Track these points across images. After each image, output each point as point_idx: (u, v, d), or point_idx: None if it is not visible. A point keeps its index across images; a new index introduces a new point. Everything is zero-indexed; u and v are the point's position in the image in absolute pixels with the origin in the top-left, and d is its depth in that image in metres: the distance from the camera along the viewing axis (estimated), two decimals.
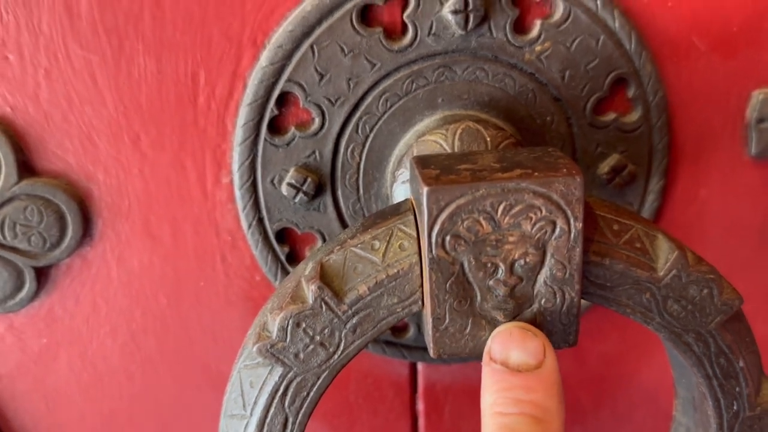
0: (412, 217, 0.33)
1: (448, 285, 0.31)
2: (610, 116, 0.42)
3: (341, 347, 0.33)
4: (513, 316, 0.32)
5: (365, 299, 0.32)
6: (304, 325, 0.32)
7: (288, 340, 0.32)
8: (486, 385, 0.30)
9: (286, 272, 0.43)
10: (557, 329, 0.32)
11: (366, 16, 0.39)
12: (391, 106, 0.40)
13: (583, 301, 0.45)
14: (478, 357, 0.32)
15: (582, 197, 0.30)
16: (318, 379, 0.33)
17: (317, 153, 0.41)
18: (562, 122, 0.41)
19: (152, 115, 0.40)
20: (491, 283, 0.31)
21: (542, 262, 0.31)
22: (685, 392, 0.38)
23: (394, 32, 0.40)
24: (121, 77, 0.39)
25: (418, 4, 0.39)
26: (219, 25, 0.39)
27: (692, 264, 0.33)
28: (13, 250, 0.41)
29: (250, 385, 0.34)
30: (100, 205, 0.41)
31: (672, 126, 0.43)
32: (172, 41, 0.39)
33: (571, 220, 0.30)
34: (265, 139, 0.40)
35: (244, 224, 0.42)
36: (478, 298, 0.31)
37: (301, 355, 0.32)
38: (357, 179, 0.42)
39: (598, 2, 0.39)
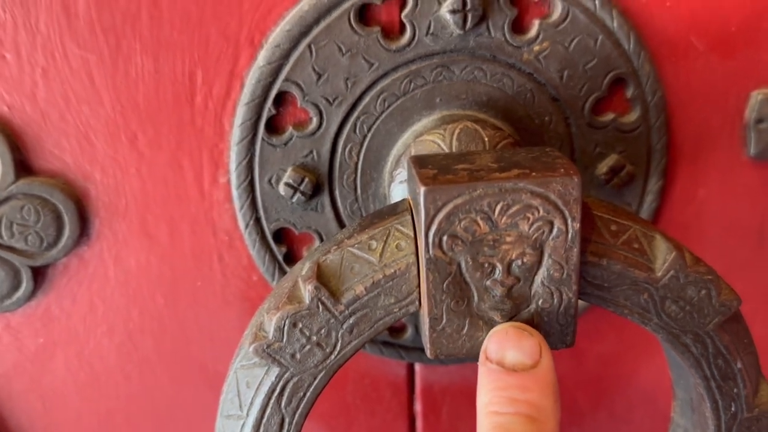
0: (409, 217, 0.33)
1: (445, 285, 0.31)
2: (609, 116, 0.42)
3: (338, 347, 0.32)
4: (510, 317, 0.32)
5: (362, 299, 0.32)
6: (300, 326, 0.32)
7: (284, 340, 0.32)
8: (482, 384, 0.30)
9: (283, 272, 0.43)
10: (554, 330, 0.32)
11: (364, 15, 0.39)
12: (389, 106, 0.40)
13: (580, 301, 0.45)
14: (475, 357, 0.32)
15: (579, 197, 0.30)
16: (314, 379, 0.33)
17: (315, 153, 0.41)
18: (561, 122, 0.41)
19: (149, 115, 0.40)
20: (488, 283, 0.31)
21: (539, 263, 0.31)
22: (683, 393, 0.38)
23: (392, 32, 0.40)
24: (118, 76, 0.39)
25: (416, 4, 0.38)
26: (216, 24, 0.39)
27: (690, 265, 0.33)
28: (10, 249, 0.41)
29: (246, 385, 0.34)
30: (97, 205, 0.41)
31: (671, 126, 0.43)
32: (170, 40, 0.39)
33: (569, 221, 0.30)
34: (263, 139, 0.40)
35: (242, 224, 0.42)
36: (475, 298, 0.31)
37: (298, 356, 0.32)
38: (355, 179, 0.41)
39: (597, 2, 0.39)
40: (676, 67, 0.42)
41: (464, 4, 0.38)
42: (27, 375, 0.44)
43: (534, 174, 0.30)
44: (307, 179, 0.41)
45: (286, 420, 0.33)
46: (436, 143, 0.39)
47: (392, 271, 0.32)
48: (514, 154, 0.32)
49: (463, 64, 0.40)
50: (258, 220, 0.42)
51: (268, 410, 0.33)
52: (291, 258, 0.43)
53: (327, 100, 0.40)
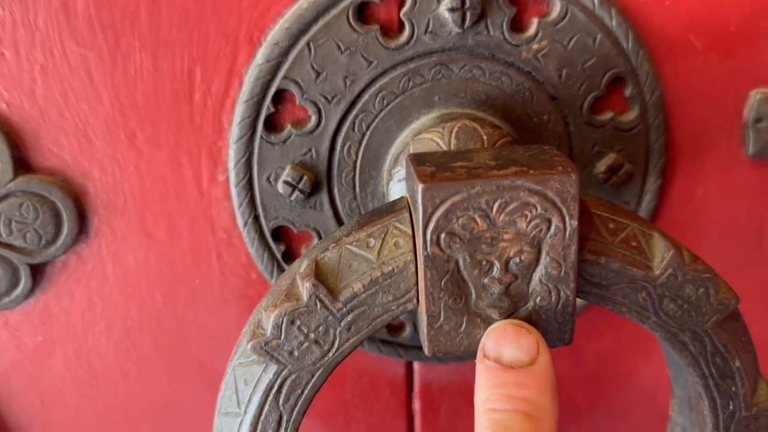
0: (407, 215, 0.33)
1: (443, 283, 0.31)
2: (607, 115, 0.42)
3: (336, 345, 0.32)
4: (508, 314, 0.32)
5: (360, 297, 0.32)
6: (298, 323, 0.32)
7: (282, 337, 0.32)
8: (479, 382, 0.30)
9: (281, 270, 0.43)
10: (552, 327, 0.32)
11: (363, 13, 0.39)
12: (387, 104, 0.40)
13: (579, 300, 0.45)
14: (473, 355, 0.32)
15: (577, 195, 0.30)
16: (312, 377, 0.33)
17: (313, 151, 0.41)
18: (559, 121, 0.41)
19: (148, 112, 0.40)
20: (486, 281, 0.31)
21: (537, 260, 0.31)
22: (682, 392, 0.38)
23: (390, 30, 0.40)
24: (117, 74, 0.39)
25: (414, 2, 0.39)
26: (215, 22, 0.39)
27: (688, 263, 0.33)
28: (9, 247, 0.41)
29: (244, 382, 0.33)
30: (95, 202, 0.41)
31: (669, 125, 0.43)
32: (169, 38, 0.39)
33: (567, 218, 0.30)
34: (261, 137, 0.40)
35: (240, 222, 0.42)
36: (473, 296, 0.31)
37: (296, 353, 0.32)
38: (353, 177, 0.41)
39: (595, 1, 0.39)
40: (675, 66, 0.42)
41: (463, 2, 0.38)
42: (26, 373, 0.44)
43: (532, 171, 0.30)
44: (305, 177, 0.41)
45: (284, 417, 0.33)
46: (435, 141, 0.39)
47: (390, 268, 0.32)
48: (512, 152, 0.32)
49: (461, 63, 0.40)
50: (257, 218, 0.42)
51: (266, 408, 0.33)
52: (289, 256, 0.43)
53: (326, 98, 0.40)
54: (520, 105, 0.41)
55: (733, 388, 0.35)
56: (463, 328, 0.32)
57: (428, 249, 0.30)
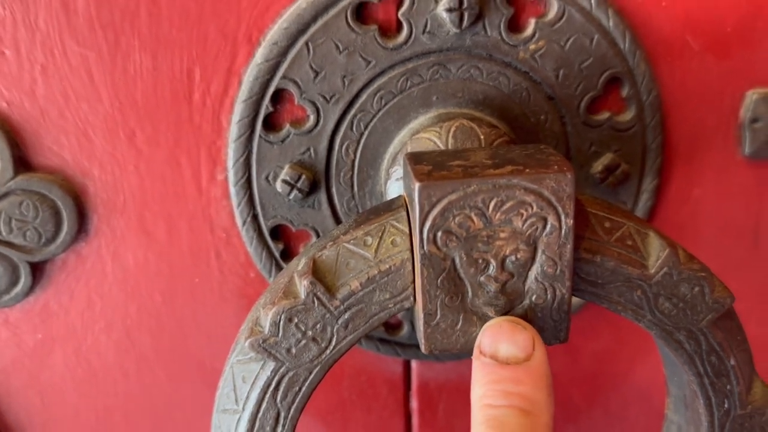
0: (404, 214, 0.33)
1: (439, 281, 0.31)
2: (604, 115, 0.42)
3: (333, 342, 0.33)
4: (504, 312, 0.32)
5: (357, 295, 0.32)
6: (296, 320, 0.32)
7: (280, 335, 0.32)
8: (476, 378, 0.30)
9: (280, 269, 0.43)
10: (548, 325, 0.32)
11: (361, 13, 0.39)
12: (385, 104, 0.40)
13: (576, 298, 0.45)
14: (470, 353, 0.32)
15: (573, 194, 0.30)
16: (310, 374, 0.33)
17: (312, 150, 0.41)
18: (556, 121, 0.42)
19: (148, 112, 0.40)
20: (482, 279, 0.31)
21: (533, 259, 0.31)
22: (677, 390, 0.38)
23: (389, 30, 0.40)
24: (116, 73, 0.39)
25: (412, 2, 0.39)
26: (215, 22, 0.39)
27: (683, 262, 0.33)
28: (9, 245, 0.41)
29: (242, 380, 0.34)
30: (95, 201, 0.42)
31: (666, 125, 0.43)
32: (168, 38, 0.39)
33: (562, 217, 0.30)
34: (260, 136, 0.40)
35: (239, 221, 0.42)
36: (470, 293, 0.32)
37: (293, 350, 0.32)
38: (351, 176, 0.42)
39: (593, 1, 0.40)
40: (672, 66, 0.42)
41: (460, 2, 0.38)
42: (25, 371, 0.45)
43: (528, 170, 0.30)
44: (304, 176, 0.41)
45: (282, 414, 0.34)
46: (433, 141, 0.39)
47: (387, 266, 0.32)
48: (509, 151, 0.32)
49: (459, 63, 0.40)
50: (255, 217, 0.42)
51: (264, 405, 0.33)
52: (288, 255, 0.43)
53: (324, 97, 0.40)
54: (518, 105, 0.41)
55: (728, 387, 0.35)
56: (459, 326, 0.32)
57: (425, 247, 0.31)
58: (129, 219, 0.42)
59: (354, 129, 0.41)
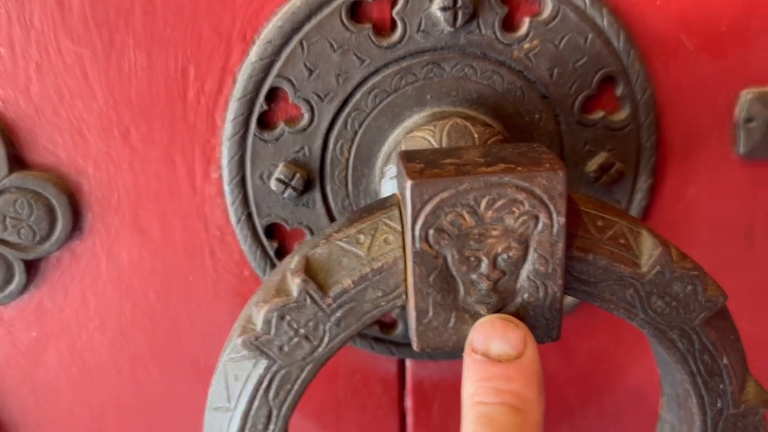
0: (397, 212, 0.33)
1: (431, 279, 0.31)
2: (598, 114, 0.42)
3: (325, 340, 0.33)
4: (496, 310, 0.32)
5: (350, 293, 0.32)
6: (288, 318, 0.32)
7: (272, 333, 0.32)
8: (467, 375, 0.30)
9: (274, 267, 0.43)
10: (540, 324, 0.32)
11: (355, 12, 0.39)
12: (380, 103, 0.40)
13: (570, 298, 0.45)
14: (462, 351, 0.32)
15: (564, 192, 0.30)
16: (302, 372, 0.33)
17: (306, 148, 0.41)
18: (550, 120, 0.42)
19: (142, 110, 0.40)
20: (474, 277, 0.31)
21: (525, 257, 0.31)
22: (670, 389, 0.38)
23: (383, 28, 0.40)
24: (111, 71, 0.40)
25: (407, 1, 0.39)
26: (209, 20, 0.39)
27: (676, 260, 0.33)
28: (3, 242, 0.41)
29: (234, 378, 0.34)
30: (89, 199, 0.42)
31: (660, 124, 0.43)
32: (163, 36, 0.39)
33: (554, 215, 0.30)
34: (255, 135, 0.40)
35: (233, 219, 0.42)
36: (462, 292, 0.32)
37: (286, 348, 0.32)
38: (346, 175, 0.42)
39: (587, 0, 0.40)
40: (666, 65, 0.42)
41: (455, 1, 0.38)
42: (19, 368, 0.45)
43: (520, 168, 0.30)
44: (298, 175, 0.41)
45: (274, 412, 0.34)
46: (426, 139, 0.39)
47: (380, 264, 0.32)
48: (502, 150, 0.32)
49: (453, 62, 0.40)
50: (250, 216, 0.42)
51: (256, 403, 0.33)
52: (282, 253, 0.43)
53: (318, 96, 0.40)
54: (512, 104, 0.41)
55: (721, 386, 0.35)
56: (451, 324, 0.32)
57: (417, 245, 0.31)
58: (123, 217, 0.42)
59: (348, 127, 0.41)
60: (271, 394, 0.33)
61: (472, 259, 0.31)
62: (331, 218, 0.43)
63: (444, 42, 0.40)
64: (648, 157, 0.43)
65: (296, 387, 0.33)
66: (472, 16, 0.39)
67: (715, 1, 0.41)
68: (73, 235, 0.42)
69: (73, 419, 0.46)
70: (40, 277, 0.43)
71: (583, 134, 0.42)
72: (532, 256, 0.31)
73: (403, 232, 0.32)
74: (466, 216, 0.30)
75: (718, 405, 0.36)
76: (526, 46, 0.40)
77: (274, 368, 0.33)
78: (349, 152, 0.41)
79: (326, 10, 0.39)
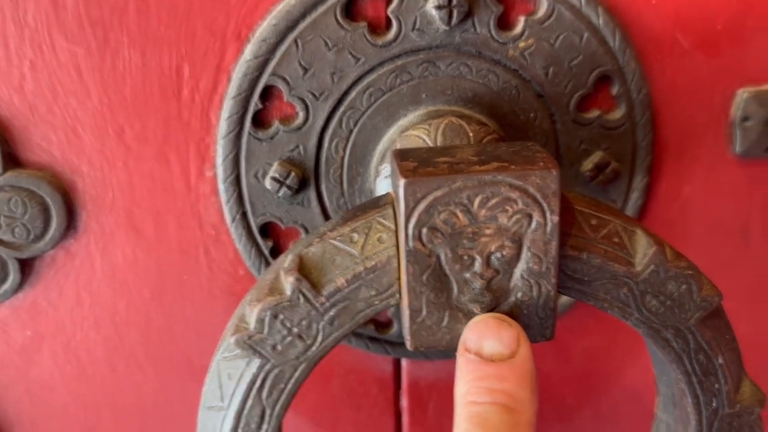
0: (391, 211, 0.33)
1: (425, 277, 0.31)
2: (594, 113, 0.42)
3: (319, 339, 0.33)
4: (490, 309, 0.32)
5: (343, 291, 0.32)
6: (281, 317, 0.32)
7: (265, 331, 0.32)
8: (460, 374, 0.30)
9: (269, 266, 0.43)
10: (534, 322, 0.32)
11: (350, 10, 0.39)
12: (375, 101, 0.40)
13: (566, 297, 0.45)
14: (455, 350, 0.32)
15: (558, 191, 0.30)
16: (295, 371, 0.33)
17: (301, 147, 0.41)
18: (546, 119, 0.41)
19: (136, 108, 0.40)
20: (468, 275, 0.31)
21: (519, 255, 0.31)
22: (666, 389, 0.38)
23: (378, 27, 0.40)
24: (105, 70, 0.39)
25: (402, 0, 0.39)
26: (203, 18, 0.39)
27: (671, 259, 0.33)
28: None
29: (228, 377, 0.34)
30: (84, 198, 0.42)
31: (656, 123, 0.43)
32: (157, 34, 0.39)
33: (547, 214, 0.30)
34: (249, 133, 0.40)
35: (228, 218, 0.42)
36: (455, 290, 0.31)
37: (279, 347, 0.32)
38: (341, 174, 0.42)
39: None
40: (662, 64, 0.42)
41: (450, 0, 0.38)
42: (14, 367, 0.45)
43: (513, 167, 0.30)
44: (293, 173, 0.41)
45: (267, 412, 0.33)
46: (422, 138, 0.39)
47: (373, 263, 0.32)
48: (496, 148, 0.32)
49: (448, 60, 0.40)
50: (244, 215, 0.42)
51: (249, 402, 0.33)
52: (277, 252, 0.43)
53: (313, 94, 0.40)
54: (507, 103, 0.41)
55: (716, 386, 0.35)
56: (445, 323, 0.32)
57: (410, 244, 0.31)
58: (118, 216, 0.42)
59: (343, 126, 0.41)
60: (264, 393, 0.33)
61: (466, 257, 0.31)
62: (326, 217, 0.42)
63: (439, 40, 0.40)
64: (644, 156, 0.43)
65: (290, 386, 0.33)
66: (467, 15, 0.39)
67: (710, 0, 0.41)
68: (68, 234, 0.42)
69: (67, 418, 0.46)
70: (35, 275, 0.43)
71: (579, 133, 0.42)
72: (525, 254, 0.31)
73: (396, 231, 0.32)
74: (460, 215, 0.30)
75: (714, 405, 0.36)
76: (522, 44, 0.40)
77: (267, 367, 0.33)
78: (344, 151, 0.41)
79: (321, 9, 0.38)
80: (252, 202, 0.42)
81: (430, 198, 0.30)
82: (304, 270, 0.32)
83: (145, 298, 0.44)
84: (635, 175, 0.43)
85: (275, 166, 0.41)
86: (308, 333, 0.32)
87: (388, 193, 0.34)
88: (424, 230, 0.30)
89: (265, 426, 0.34)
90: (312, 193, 0.42)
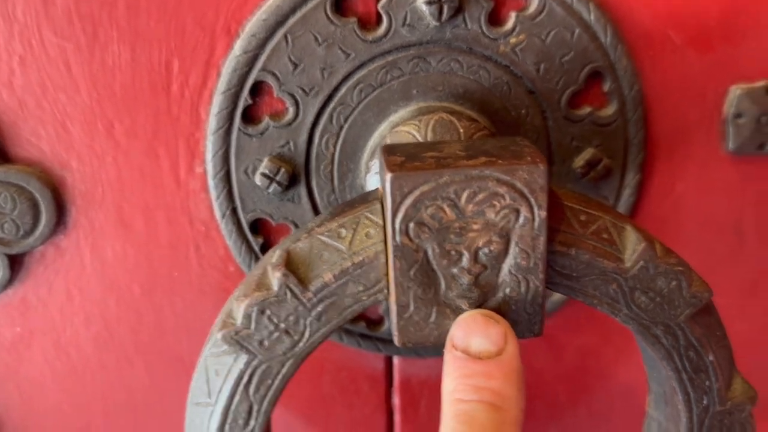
0: (379, 206, 0.33)
1: (412, 273, 0.31)
2: (586, 110, 0.42)
3: (306, 335, 0.32)
4: (478, 305, 0.32)
5: (330, 287, 0.32)
6: (268, 313, 0.32)
7: (252, 327, 0.32)
8: (447, 372, 0.30)
9: None
10: (522, 318, 0.32)
11: (340, 5, 0.39)
12: (365, 97, 0.40)
13: (558, 295, 0.45)
14: (443, 346, 0.32)
15: (546, 185, 0.30)
16: (283, 367, 0.33)
17: (291, 143, 0.41)
18: (537, 115, 0.41)
19: (126, 103, 0.40)
20: (455, 271, 0.31)
21: (506, 251, 0.31)
22: (657, 387, 0.38)
23: (368, 22, 0.40)
24: (95, 65, 0.39)
25: None
26: (193, 13, 0.39)
27: (660, 255, 0.33)
28: None
29: (215, 373, 0.33)
30: (73, 193, 0.41)
31: (648, 120, 0.43)
32: (146, 29, 0.39)
33: (535, 209, 0.30)
34: (239, 129, 0.40)
35: (218, 214, 0.42)
36: (443, 286, 0.31)
37: (266, 343, 0.32)
38: (331, 170, 0.41)
39: None
40: (654, 60, 0.42)
41: None
42: (3, 364, 0.44)
43: (500, 162, 0.30)
44: (283, 169, 0.41)
45: (254, 408, 0.33)
46: (412, 134, 0.39)
47: (361, 258, 0.32)
48: (484, 143, 0.32)
49: (439, 56, 0.40)
50: (234, 211, 0.42)
51: (237, 398, 0.33)
52: (268, 249, 0.43)
53: (303, 90, 0.40)
54: (498, 99, 0.41)
55: (707, 383, 0.35)
56: (432, 319, 0.32)
57: (397, 239, 0.30)
58: (107, 211, 0.42)
59: (334, 122, 0.40)
60: (251, 389, 0.33)
61: (453, 253, 0.31)
62: (317, 214, 0.42)
63: (430, 36, 0.39)
64: (636, 153, 0.43)
65: (277, 382, 0.33)
66: (458, 10, 0.39)
67: None
68: (57, 230, 0.42)
69: (58, 415, 0.46)
70: (24, 271, 0.42)
71: (570, 130, 0.42)
72: (513, 250, 0.31)
73: (384, 227, 0.32)
74: (447, 209, 0.30)
75: (704, 402, 0.35)
76: (513, 40, 0.40)
77: (254, 363, 0.33)
78: (335, 147, 0.41)
79: (311, 4, 0.38)
80: (242, 199, 0.42)
81: (416, 192, 0.30)
82: (291, 265, 0.32)
83: (135, 295, 0.44)
84: (627, 172, 0.43)
85: (265, 162, 0.41)
86: (295, 328, 0.32)
87: (376, 189, 0.34)
88: (411, 225, 0.30)
89: (252, 422, 0.34)
90: (302, 190, 0.42)
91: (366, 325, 0.45)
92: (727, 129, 0.43)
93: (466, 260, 0.31)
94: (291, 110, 0.40)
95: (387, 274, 0.32)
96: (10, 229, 0.41)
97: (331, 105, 0.40)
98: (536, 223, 0.30)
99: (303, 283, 0.32)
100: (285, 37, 0.39)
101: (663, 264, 0.32)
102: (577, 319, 0.47)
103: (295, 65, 0.39)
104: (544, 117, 0.41)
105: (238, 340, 0.32)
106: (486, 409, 0.28)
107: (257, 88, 0.40)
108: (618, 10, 0.40)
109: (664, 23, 0.41)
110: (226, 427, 0.33)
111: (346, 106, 0.40)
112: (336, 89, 0.40)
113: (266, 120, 0.40)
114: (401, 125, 0.40)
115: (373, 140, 0.41)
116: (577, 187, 0.43)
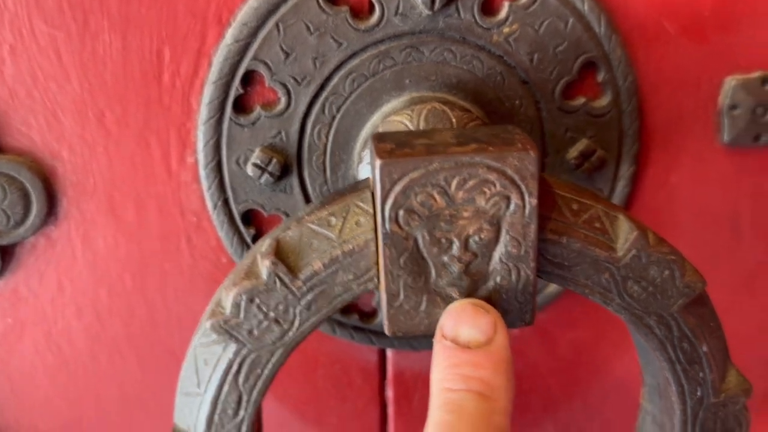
0: (369, 194, 0.32)
1: (402, 261, 0.31)
2: (580, 100, 0.41)
3: (296, 324, 0.32)
4: (468, 294, 0.31)
5: (320, 275, 0.32)
6: (257, 301, 0.32)
7: (242, 316, 0.32)
8: (436, 361, 0.30)
9: None
10: (513, 307, 0.32)
11: None
12: (357, 87, 0.40)
13: (553, 286, 0.45)
14: (433, 335, 0.31)
15: (536, 173, 0.29)
16: (272, 356, 0.33)
17: (283, 133, 0.40)
18: (531, 106, 0.41)
19: (117, 93, 0.40)
20: (446, 259, 0.31)
21: (497, 239, 0.31)
22: (651, 379, 0.38)
23: (360, 11, 0.39)
24: (85, 54, 0.39)
25: None
26: (184, 2, 0.38)
27: (653, 244, 0.32)
28: None
29: (204, 362, 0.33)
30: (64, 183, 0.41)
31: (643, 111, 0.42)
32: (137, 18, 0.39)
33: (526, 196, 0.30)
34: (230, 119, 0.40)
35: (209, 205, 0.42)
36: (433, 274, 0.31)
37: (255, 332, 0.32)
38: (324, 160, 0.41)
39: None
40: (648, 51, 0.41)
41: None
42: None
43: (491, 148, 0.29)
44: (275, 160, 0.40)
45: (244, 397, 0.33)
46: (404, 124, 0.38)
47: (351, 247, 0.32)
48: (475, 131, 0.32)
49: (432, 46, 0.40)
50: (226, 201, 0.42)
51: (226, 387, 0.33)
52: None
53: (295, 79, 0.39)
54: (492, 89, 0.40)
55: (701, 374, 0.35)
56: (423, 307, 0.32)
57: (387, 226, 0.30)
58: (99, 202, 0.41)
59: (326, 112, 0.40)
60: (240, 379, 0.33)
61: (443, 240, 0.30)
62: None
63: (422, 25, 0.39)
64: (630, 144, 0.42)
65: (266, 371, 0.33)
66: (451, 0, 0.39)
67: None
68: (48, 220, 0.42)
69: (49, 407, 0.46)
70: (15, 262, 0.42)
71: (564, 121, 0.42)
72: (504, 238, 0.30)
73: (374, 214, 0.32)
74: (437, 196, 0.30)
75: (698, 394, 0.35)
76: (506, 30, 0.40)
77: (243, 352, 0.32)
78: (327, 137, 0.41)
79: None
80: (234, 189, 0.41)
81: (406, 179, 0.29)
82: (281, 254, 0.32)
83: (127, 286, 0.43)
84: (622, 163, 0.43)
85: (257, 152, 0.40)
86: (285, 317, 0.32)
87: (367, 178, 0.34)
88: (401, 212, 0.30)
89: (242, 412, 0.33)
90: (294, 180, 0.41)
91: (359, 318, 0.45)
92: (722, 120, 0.43)
93: (456, 248, 0.31)
94: (283, 100, 0.40)
95: (377, 263, 0.31)
96: (1, 219, 0.40)
97: (324, 95, 0.40)
98: (527, 211, 0.30)
99: (292, 271, 0.31)
100: (277, 25, 0.38)
101: (655, 253, 0.32)
102: (572, 313, 0.47)
103: (287, 54, 0.39)
104: (537, 107, 0.41)
105: (227, 329, 0.32)
106: (474, 398, 0.28)
107: (249, 78, 0.40)
108: (612, 0, 0.40)
109: (658, 13, 0.41)
110: (216, 417, 0.33)
111: (339, 95, 0.40)
112: (328, 79, 0.40)
113: (258, 110, 0.40)
114: (394, 115, 0.39)
115: (366, 130, 0.40)
116: (571, 178, 0.43)
